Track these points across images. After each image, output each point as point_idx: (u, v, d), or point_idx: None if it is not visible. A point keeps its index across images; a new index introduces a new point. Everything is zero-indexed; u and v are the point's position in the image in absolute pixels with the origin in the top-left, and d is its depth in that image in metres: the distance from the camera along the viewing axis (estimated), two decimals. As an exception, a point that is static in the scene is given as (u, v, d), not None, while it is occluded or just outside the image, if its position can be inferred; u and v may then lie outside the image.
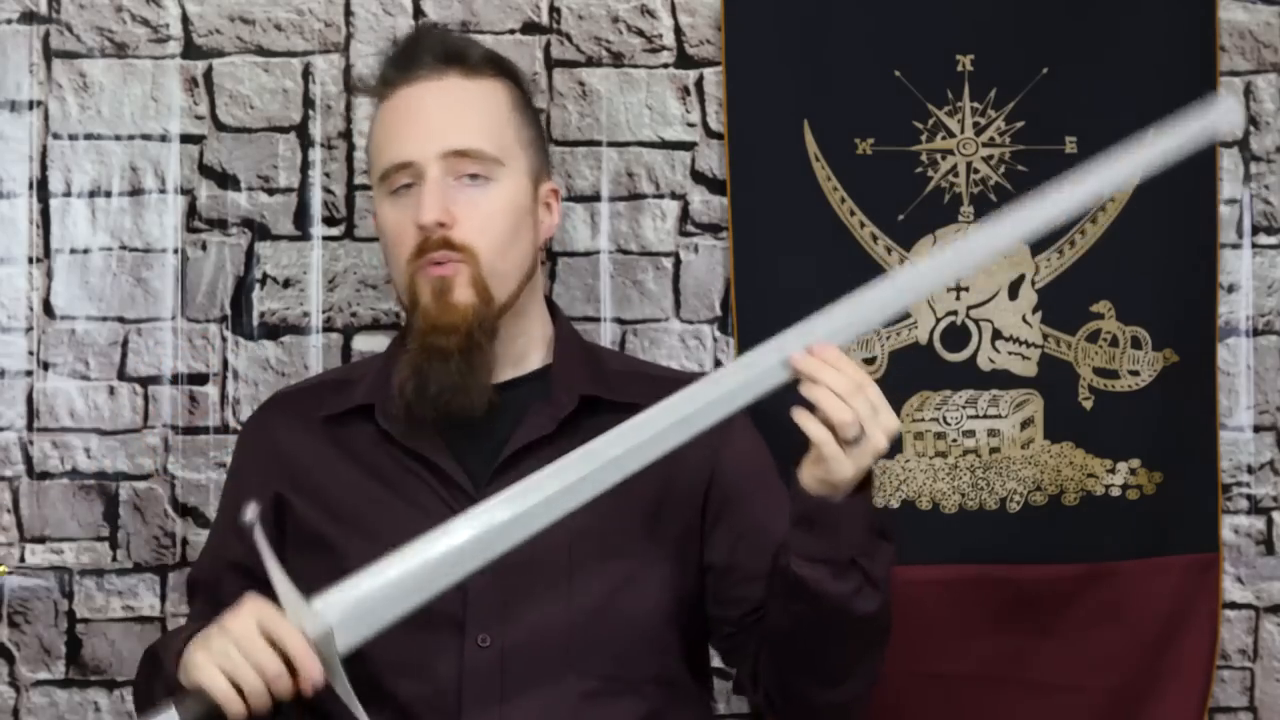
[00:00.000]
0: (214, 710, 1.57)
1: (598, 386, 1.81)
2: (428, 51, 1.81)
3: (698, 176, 2.30)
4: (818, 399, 1.59)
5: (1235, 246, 2.31)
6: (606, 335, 2.28)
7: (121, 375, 2.27)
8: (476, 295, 1.76)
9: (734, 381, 1.63)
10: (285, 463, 1.80)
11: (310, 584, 1.64)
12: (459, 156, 1.77)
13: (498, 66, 1.85)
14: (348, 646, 1.59)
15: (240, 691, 1.56)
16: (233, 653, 1.57)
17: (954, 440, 2.28)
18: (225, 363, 2.27)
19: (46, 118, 2.26)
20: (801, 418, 1.60)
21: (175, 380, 2.27)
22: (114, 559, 2.27)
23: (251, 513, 1.60)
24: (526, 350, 1.84)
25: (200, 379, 2.27)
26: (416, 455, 1.78)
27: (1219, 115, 1.71)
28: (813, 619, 1.68)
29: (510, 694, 1.73)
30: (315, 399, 1.87)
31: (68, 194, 2.27)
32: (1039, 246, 2.28)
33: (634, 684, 1.77)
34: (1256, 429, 2.32)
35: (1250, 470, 2.32)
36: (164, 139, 2.27)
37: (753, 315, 2.26)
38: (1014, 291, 2.28)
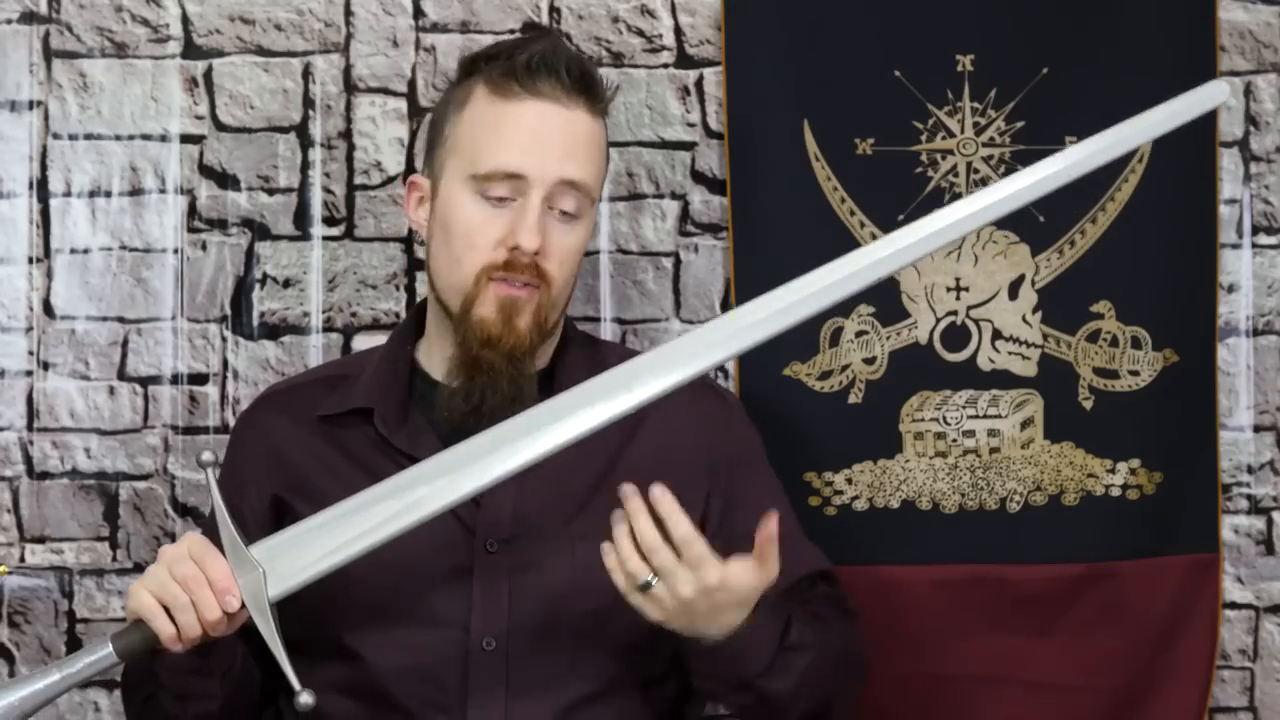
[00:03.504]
0: (146, 638, 1.61)
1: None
2: (566, 73, 1.80)
3: (698, 176, 2.30)
4: (618, 541, 1.62)
5: (1235, 246, 2.31)
6: (606, 335, 2.28)
7: (121, 375, 2.27)
8: (535, 323, 1.78)
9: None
10: (282, 464, 1.80)
11: (311, 589, 1.66)
12: (568, 187, 1.78)
13: (606, 96, 1.85)
14: (281, 591, 1.62)
15: (168, 613, 1.59)
16: (161, 572, 1.61)
17: (954, 440, 2.27)
18: (225, 363, 2.27)
19: (46, 118, 2.26)
20: (605, 557, 1.63)
21: (175, 380, 2.27)
22: (114, 559, 2.27)
23: (209, 455, 1.66)
24: (544, 353, 1.86)
25: (200, 379, 2.27)
26: (415, 458, 1.77)
27: (1207, 95, 1.73)
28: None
29: (515, 696, 1.73)
30: (309, 397, 1.87)
31: (68, 194, 2.27)
32: (1039, 246, 2.28)
33: (637, 685, 1.78)
34: (1256, 429, 2.32)
35: (1250, 470, 2.32)
36: (164, 139, 2.27)
37: (753, 315, 2.26)
38: (1014, 291, 2.28)
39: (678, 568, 1.61)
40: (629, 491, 1.62)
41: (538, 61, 1.80)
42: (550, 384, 1.82)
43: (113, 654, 1.61)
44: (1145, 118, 1.72)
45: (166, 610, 1.60)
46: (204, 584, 1.60)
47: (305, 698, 1.60)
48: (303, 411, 1.85)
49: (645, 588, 1.61)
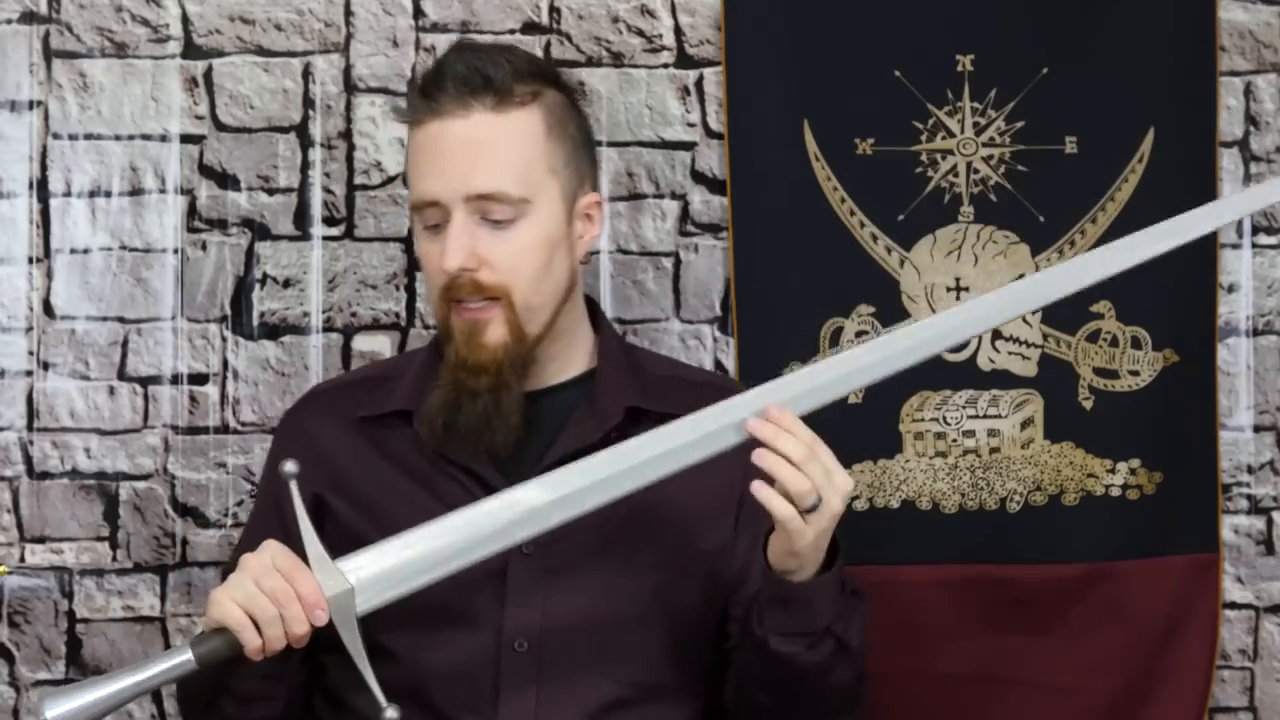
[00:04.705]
0: (230, 646, 1.59)
1: (641, 397, 1.80)
2: (453, 80, 1.74)
3: (698, 176, 2.30)
4: (773, 468, 1.59)
5: (1235, 246, 2.31)
6: (606, 335, 2.28)
7: (121, 375, 2.27)
8: (510, 334, 1.75)
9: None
10: (324, 463, 1.79)
11: None
12: (482, 200, 1.73)
13: (534, 80, 1.78)
14: (367, 608, 1.61)
15: (255, 624, 1.58)
16: (248, 584, 1.59)
17: (954, 440, 2.27)
18: (225, 363, 2.27)
19: (46, 118, 2.26)
20: (761, 492, 1.60)
21: (175, 380, 2.27)
22: (114, 559, 2.27)
23: (292, 465, 1.63)
24: (569, 357, 1.83)
25: (200, 379, 2.27)
26: (457, 463, 1.77)
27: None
28: (786, 681, 1.70)
29: (546, 698, 1.73)
30: (352, 398, 1.86)
31: (68, 194, 2.27)
32: (1039, 246, 2.28)
33: (667, 692, 1.77)
34: (1256, 429, 2.32)
35: (1250, 470, 2.32)
36: (164, 139, 2.27)
37: (753, 315, 2.27)
38: (1014, 291, 2.28)
39: (833, 471, 1.60)
40: (765, 416, 1.61)
41: (430, 79, 1.76)
42: (588, 388, 1.81)
43: (193, 661, 1.58)
44: (1226, 201, 1.80)
45: (254, 622, 1.59)
46: (294, 598, 1.58)
47: (391, 713, 1.59)
48: (345, 412, 1.84)
49: (814, 508, 1.59)
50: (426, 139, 1.76)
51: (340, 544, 1.66)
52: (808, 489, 1.58)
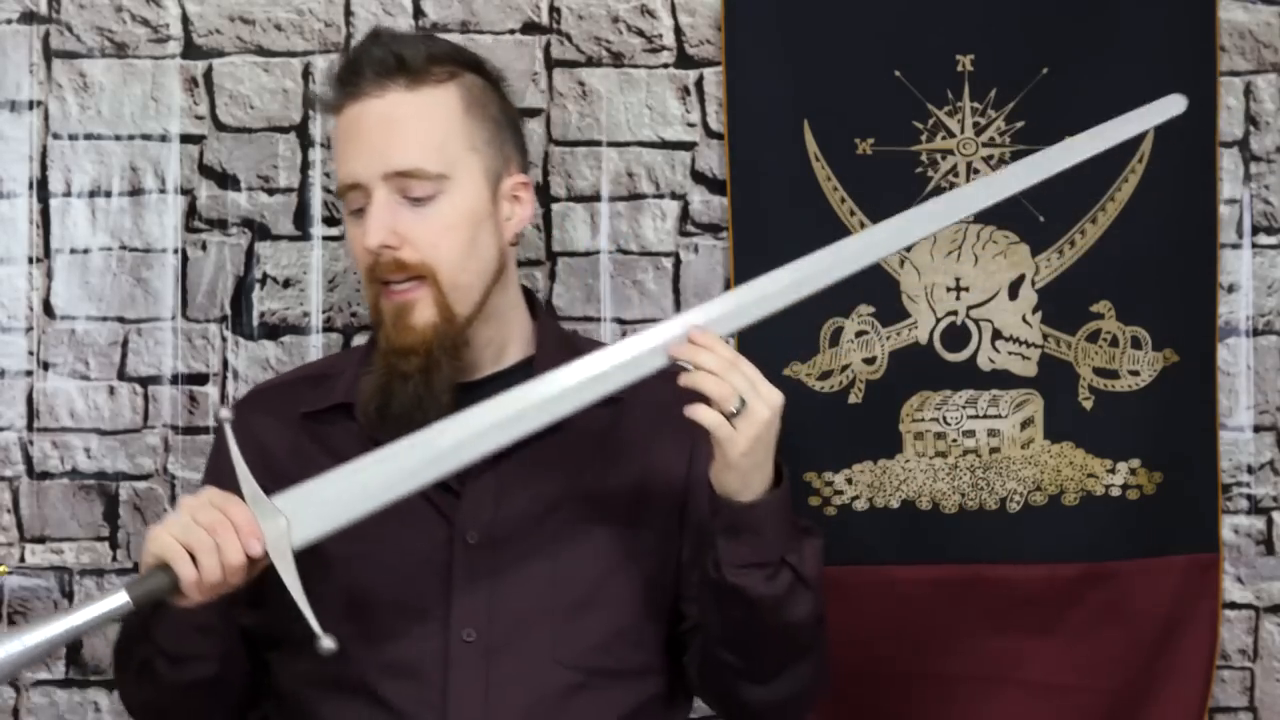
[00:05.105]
0: (166, 583, 1.61)
1: None
2: (369, 64, 1.78)
3: (698, 176, 2.30)
4: (696, 382, 1.66)
5: (1235, 246, 2.31)
6: (606, 335, 2.28)
7: (121, 375, 2.27)
8: (438, 314, 1.76)
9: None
10: (267, 460, 1.80)
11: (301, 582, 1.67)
12: (401, 177, 1.76)
13: (451, 63, 1.81)
14: (303, 540, 1.64)
15: (191, 558, 1.60)
16: (184, 518, 1.62)
17: (954, 440, 2.28)
18: (225, 363, 2.27)
19: (46, 118, 2.26)
20: (692, 410, 1.66)
21: (175, 380, 2.27)
22: (114, 559, 2.27)
23: (227, 411, 1.70)
24: (505, 345, 1.85)
25: (200, 379, 2.27)
26: None
27: (1164, 106, 1.86)
28: (748, 624, 1.72)
29: (496, 688, 1.74)
30: (294, 395, 1.88)
31: (68, 194, 2.27)
32: (1039, 246, 2.28)
33: (618, 677, 1.78)
34: (1256, 429, 2.32)
35: (1250, 470, 2.32)
36: (164, 139, 2.27)
37: (753, 315, 2.27)
38: (1014, 291, 2.29)
39: (757, 382, 1.66)
40: (686, 339, 1.67)
41: (348, 66, 1.80)
42: (527, 375, 1.81)
43: (128, 600, 1.60)
44: (1102, 130, 1.83)
45: (191, 556, 1.61)
46: (229, 528, 1.61)
47: (327, 642, 1.61)
48: (287, 409, 1.86)
49: (739, 410, 1.64)
50: (346, 122, 1.79)
51: None
52: (729, 393, 1.64)
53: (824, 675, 1.83)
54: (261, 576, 1.66)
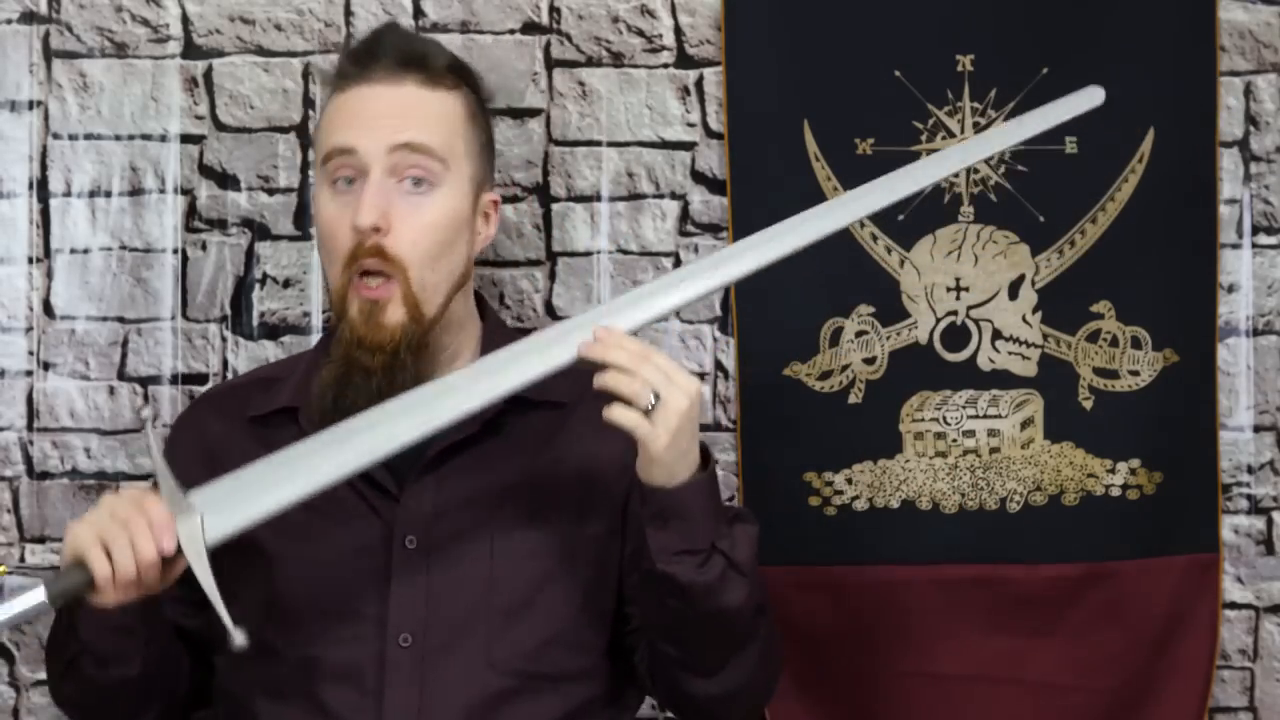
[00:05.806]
0: (81, 579, 1.61)
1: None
2: (388, 53, 1.81)
3: (698, 176, 2.30)
4: (607, 382, 1.66)
5: (1235, 246, 2.31)
6: (606, 335, 2.27)
7: (121, 375, 2.27)
8: (407, 314, 1.77)
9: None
10: (214, 464, 1.79)
11: (241, 587, 1.69)
12: (407, 150, 1.77)
13: (458, 75, 1.85)
14: (218, 535, 1.63)
15: (106, 554, 1.60)
16: (101, 513, 1.62)
17: (954, 440, 2.28)
18: (225, 363, 2.27)
19: (46, 118, 2.26)
20: (608, 412, 1.66)
21: (175, 380, 2.27)
22: (114, 559, 2.26)
23: (148, 410, 1.71)
24: (458, 350, 1.86)
25: (200, 379, 2.27)
26: None
27: (1084, 99, 1.90)
28: (684, 613, 1.72)
29: (431, 693, 1.74)
30: (242, 398, 1.89)
31: (68, 194, 2.27)
32: (1039, 246, 2.28)
33: (554, 682, 1.78)
34: (1256, 429, 2.32)
35: (1250, 470, 2.32)
36: (164, 139, 2.27)
37: (753, 315, 2.27)
38: (1014, 291, 2.28)
39: (671, 372, 1.66)
40: (591, 336, 1.68)
41: (363, 50, 1.83)
42: None
43: (45, 598, 1.60)
44: (1025, 119, 1.89)
45: (105, 552, 1.61)
46: (142, 523, 1.61)
47: (239, 638, 1.60)
48: (235, 413, 1.87)
49: (655, 404, 1.64)
50: (354, 99, 1.81)
51: (233, 544, 1.67)
52: (639, 388, 1.64)
53: (773, 669, 1.83)
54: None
